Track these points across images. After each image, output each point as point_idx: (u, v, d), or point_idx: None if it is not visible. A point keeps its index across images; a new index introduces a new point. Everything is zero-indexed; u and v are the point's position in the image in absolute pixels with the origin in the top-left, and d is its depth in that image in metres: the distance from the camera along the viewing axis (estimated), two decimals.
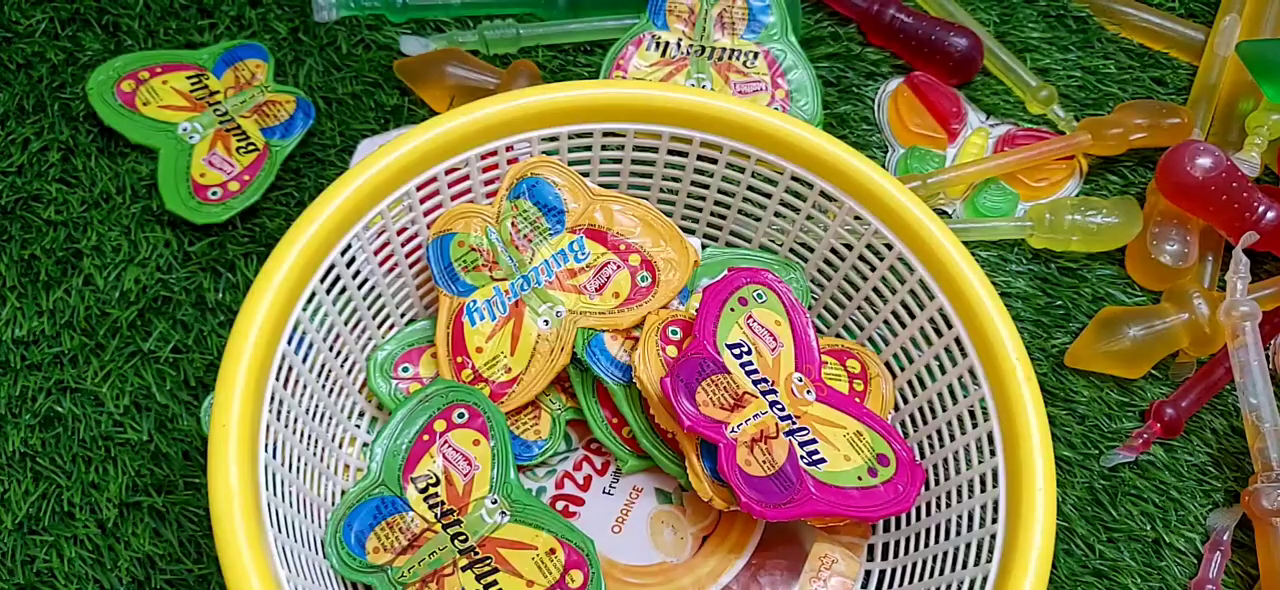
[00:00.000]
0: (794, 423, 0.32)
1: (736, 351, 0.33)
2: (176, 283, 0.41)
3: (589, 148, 0.36)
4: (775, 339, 0.34)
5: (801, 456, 0.32)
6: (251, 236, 0.42)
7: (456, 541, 0.32)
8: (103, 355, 0.39)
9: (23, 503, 0.36)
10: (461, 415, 0.33)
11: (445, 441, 0.33)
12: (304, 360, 0.32)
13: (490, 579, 0.31)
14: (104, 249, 0.41)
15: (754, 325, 0.34)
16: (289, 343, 0.31)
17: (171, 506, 0.36)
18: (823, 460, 0.32)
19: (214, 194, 0.42)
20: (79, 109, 0.44)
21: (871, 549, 0.35)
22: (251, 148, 0.43)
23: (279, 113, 0.45)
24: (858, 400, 0.35)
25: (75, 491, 0.36)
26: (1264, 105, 0.44)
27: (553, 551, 0.31)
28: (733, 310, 0.34)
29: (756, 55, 0.45)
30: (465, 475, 0.32)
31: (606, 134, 0.36)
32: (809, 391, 0.33)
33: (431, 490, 0.32)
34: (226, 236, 0.42)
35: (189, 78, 0.45)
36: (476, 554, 0.31)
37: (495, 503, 0.32)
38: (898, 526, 0.35)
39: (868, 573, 0.35)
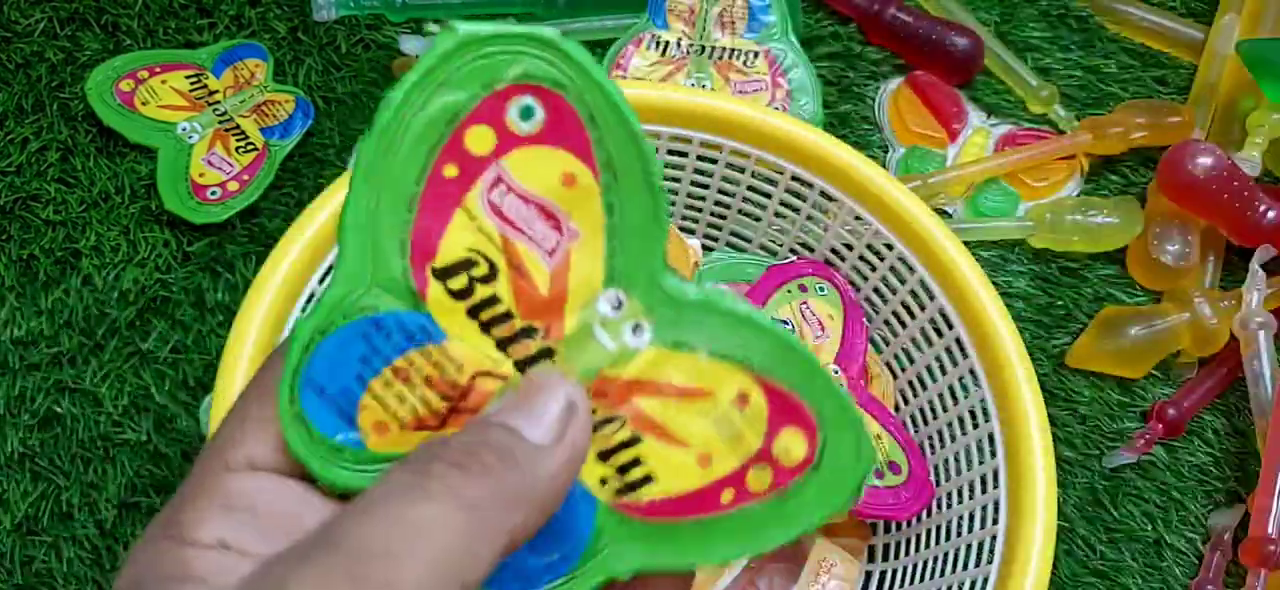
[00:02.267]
0: None
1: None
2: (175, 283, 0.41)
3: None
4: (824, 329, 0.34)
5: None
6: (251, 236, 0.42)
7: None
8: (101, 355, 0.39)
9: (21, 503, 0.36)
10: (528, 112, 0.15)
11: (499, 179, 0.16)
12: None
13: (625, 454, 0.17)
14: (103, 249, 0.41)
15: (806, 311, 0.34)
16: None
17: None
18: None
19: (213, 194, 0.42)
20: (78, 109, 0.44)
21: (871, 550, 0.35)
22: (251, 147, 0.43)
23: (278, 112, 0.44)
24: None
25: (74, 492, 0.36)
26: (1265, 105, 0.44)
27: (745, 398, 0.17)
28: (790, 292, 0.34)
29: (757, 54, 0.45)
30: (551, 251, 0.16)
31: None
32: (840, 385, 0.33)
33: (478, 289, 0.16)
34: (225, 236, 0.42)
35: (188, 77, 0.45)
36: (593, 411, 0.17)
37: (621, 306, 0.16)
38: (898, 528, 0.35)
39: (868, 574, 0.34)
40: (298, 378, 0.16)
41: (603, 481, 0.17)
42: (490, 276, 0.16)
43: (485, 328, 0.16)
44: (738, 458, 0.17)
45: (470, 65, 0.15)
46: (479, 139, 0.15)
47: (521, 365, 0.16)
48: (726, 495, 0.17)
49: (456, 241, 0.16)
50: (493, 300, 0.16)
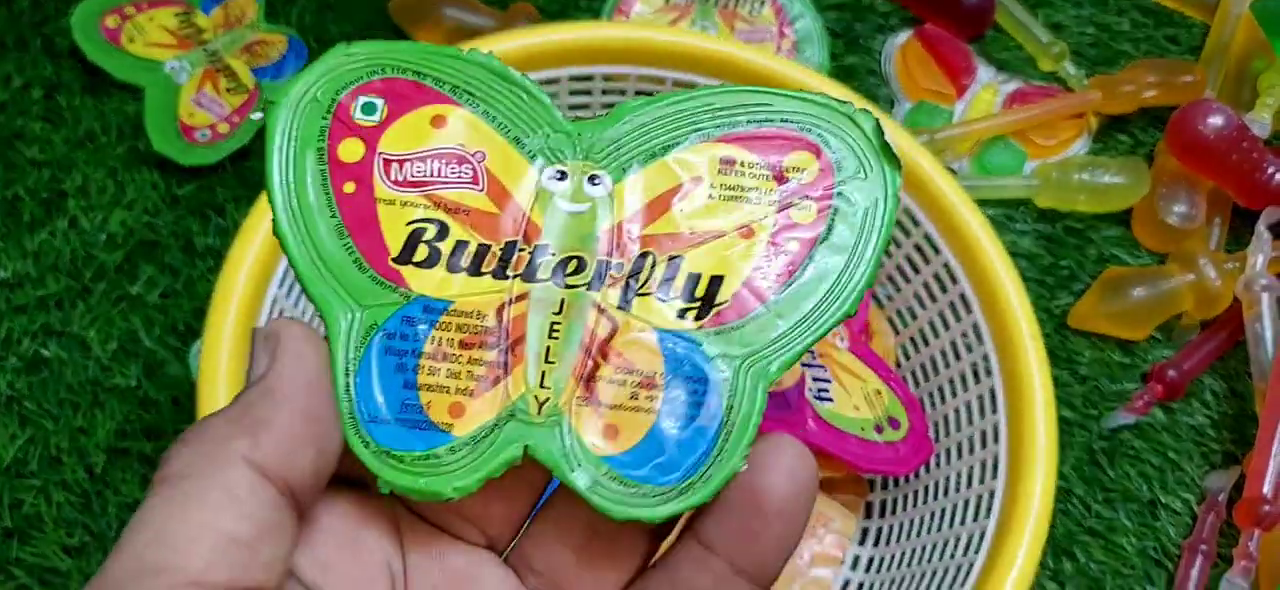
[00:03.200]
0: (814, 357, 0.32)
1: None
2: (164, 226, 0.40)
3: (590, 93, 0.35)
4: None
5: (810, 388, 0.31)
6: (241, 179, 0.41)
7: (571, 276, 0.16)
8: (89, 299, 0.38)
9: (10, 447, 0.35)
10: (368, 107, 0.17)
11: (388, 161, 0.16)
12: (295, 305, 0.31)
13: (680, 278, 0.16)
14: (89, 190, 0.40)
15: None
16: (280, 286, 0.30)
17: (161, 453, 0.36)
18: (830, 400, 0.31)
19: (202, 136, 0.41)
20: (63, 45, 0.43)
21: (868, 506, 0.35)
22: (241, 88, 0.42)
23: (270, 53, 0.43)
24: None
25: (62, 436, 0.36)
26: (1276, 65, 0.43)
27: (729, 161, 0.17)
28: None
29: (763, 3, 0.44)
30: (473, 180, 0.16)
31: (607, 78, 0.35)
32: (841, 339, 0.33)
33: (442, 247, 0.16)
34: (215, 179, 0.41)
35: (176, 14, 0.44)
36: (619, 266, 0.16)
37: (565, 175, 0.17)
38: (896, 484, 0.34)
39: (865, 530, 0.34)
40: (360, 425, 0.15)
41: (682, 314, 0.16)
42: (443, 232, 0.16)
43: (473, 271, 0.16)
44: (770, 208, 0.17)
45: (303, 112, 0.16)
46: (350, 151, 0.17)
47: (526, 276, 0.16)
48: (792, 244, 0.16)
49: (395, 228, 0.16)
50: (461, 245, 0.16)
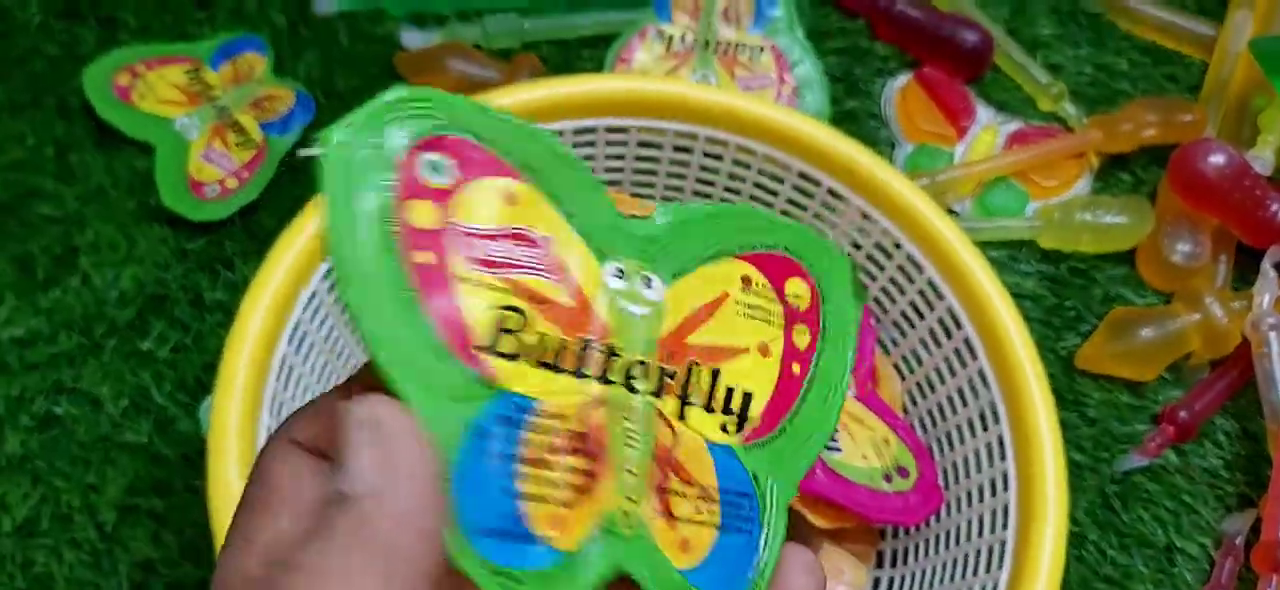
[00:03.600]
0: None
1: None
2: (174, 281, 0.40)
3: (593, 144, 0.36)
4: None
5: None
6: (250, 234, 0.41)
7: (638, 381, 0.16)
8: (101, 355, 0.38)
9: (22, 505, 0.36)
10: (434, 166, 0.15)
11: (466, 235, 0.15)
12: (305, 361, 0.31)
13: (719, 392, 0.17)
14: (101, 246, 0.41)
15: None
16: (289, 343, 0.30)
17: (171, 511, 0.36)
18: (838, 450, 0.31)
19: (211, 191, 0.41)
20: (75, 103, 0.44)
21: (880, 556, 0.35)
22: (249, 143, 0.43)
23: (278, 107, 0.44)
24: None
25: (74, 494, 0.36)
26: (1276, 102, 0.44)
27: (747, 279, 0.18)
28: None
29: (763, 49, 0.45)
30: (546, 267, 0.16)
31: (610, 129, 0.35)
32: (849, 387, 0.33)
33: (525, 340, 0.15)
34: (224, 234, 0.41)
35: (185, 71, 0.45)
36: (673, 375, 0.17)
37: (623, 273, 0.17)
38: (907, 533, 0.34)
39: (877, 580, 0.34)
40: (468, 539, 0.14)
41: (723, 429, 0.17)
42: (524, 322, 0.15)
43: (554, 367, 0.15)
44: (778, 330, 0.18)
45: (361, 163, 0.14)
46: (421, 214, 0.15)
47: (602, 378, 0.16)
48: (795, 368, 0.18)
49: (478, 311, 0.15)
50: (542, 341, 0.15)
